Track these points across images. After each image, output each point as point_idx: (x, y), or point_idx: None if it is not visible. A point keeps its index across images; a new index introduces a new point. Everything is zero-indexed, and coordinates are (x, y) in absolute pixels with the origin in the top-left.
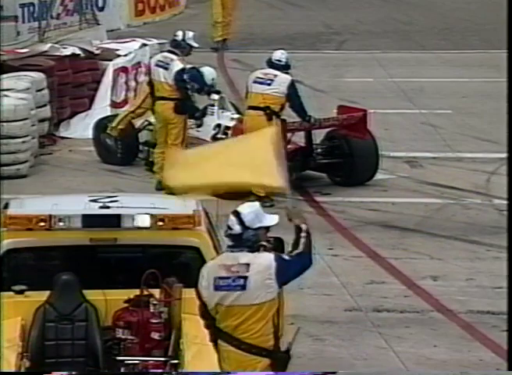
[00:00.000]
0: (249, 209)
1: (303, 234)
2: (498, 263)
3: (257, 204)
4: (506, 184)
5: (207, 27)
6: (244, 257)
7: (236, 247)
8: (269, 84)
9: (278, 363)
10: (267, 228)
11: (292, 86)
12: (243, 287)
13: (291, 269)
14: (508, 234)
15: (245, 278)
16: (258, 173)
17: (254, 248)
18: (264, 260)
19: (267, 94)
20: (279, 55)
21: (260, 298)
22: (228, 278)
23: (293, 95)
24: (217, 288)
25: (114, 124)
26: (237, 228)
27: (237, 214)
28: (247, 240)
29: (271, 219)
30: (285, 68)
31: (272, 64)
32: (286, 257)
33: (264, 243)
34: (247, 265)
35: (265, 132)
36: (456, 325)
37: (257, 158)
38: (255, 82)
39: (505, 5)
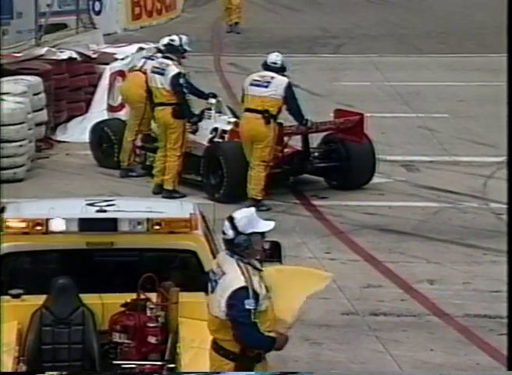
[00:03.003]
0: (242, 215)
1: (270, 339)
2: (495, 267)
3: (252, 210)
4: (506, 188)
5: (204, 31)
6: (229, 264)
7: (229, 251)
8: (266, 87)
9: (242, 369)
10: (262, 234)
11: (289, 88)
12: (212, 291)
13: (236, 313)
14: (508, 238)
15: (216, 283)
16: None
17: (246, 255)
18: (232, 280)
19: (264, 97)
20: (274, 57)
21: (214, 311)
22: (214, 274)
23: (290, 97)
24: (209, 280)
25: (125, 162)
26: (230, 233)
27: (231, 219)
28: (239, 245)
29: (265, 225)
30: (281, 70)
31: (267, 67)
32: (248, 307)
33: (258, 257)
34: (224, 273)
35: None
36: (452, 329)
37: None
38: (252, 85)
39: (502, 10)
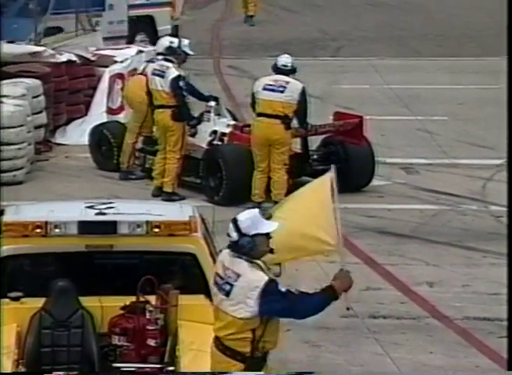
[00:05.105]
0: (246, 216)
1: (325, 294)
2: (494, 269)
3: (255, 211)
4: (506, 190)
5: (203, 33)
6: (240, 265)
7: (235, 253)
8: (282, 92)
9: (250, 370)
10: (266, 235)
11: (304, 93)
12: (227, 294)
13: (278, 304)
14: (508, 240)
15: (231, 286)
16: (320, 230)
17: (253, 256)
18: (255, 279)
19: (281, 102)
20: (285, 59)
21: (238, 313)
22: (222, 278)
23: (302, 102)
24: (214, 283)
25: (124, 164)
26: (234, 235)
27: (235, 221)
28: (243, 246)
29: (269, 226)
30: (292, 72)
31: (278, 69)
32: (283, 290)
33: (265, 254)
34: (238, 275)
35: (325, 182)
36: (452, 331)
37: (319, 215)
38: (266, 89)
39: (501, 12)
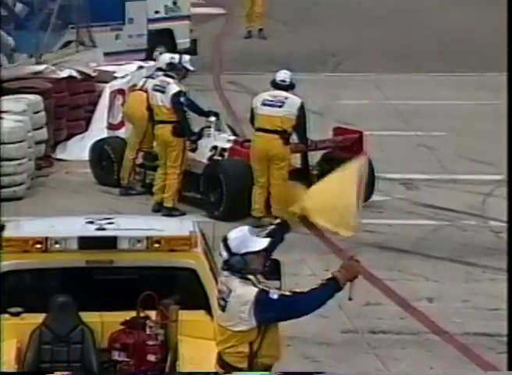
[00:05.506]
0: (235, 235)
1: (326, 286)
2: (494, 285)
3: (245, 229)
4: (506, 206)
5: (204, 49)
6: (232, 281)
7: (228, 271)
8: (281, 107)
9: None
10: (257, 252)
11: (302, 108)
12: (223, 309)
13: (273, 310)
14: (508, 256)
15: (226, 301)
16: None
17: (244, 273)
18: (245, 294)
19: (279, 117)
20: (283, 75)
21: (234, 326)
22: (219, 293)
23: (301, 117)
24: (216, 298)
25: (125, 180)
26: (225, 254)
27: (225, 240)
28: (233, 265)
29: (259, 244)
30: (290, 87)
31: (277, 85)
32: (275, 296)
33: (258, 273)
34: (230, 291)
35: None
36: (452, 346)
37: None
38: (264, 104)
39: (501, 28)
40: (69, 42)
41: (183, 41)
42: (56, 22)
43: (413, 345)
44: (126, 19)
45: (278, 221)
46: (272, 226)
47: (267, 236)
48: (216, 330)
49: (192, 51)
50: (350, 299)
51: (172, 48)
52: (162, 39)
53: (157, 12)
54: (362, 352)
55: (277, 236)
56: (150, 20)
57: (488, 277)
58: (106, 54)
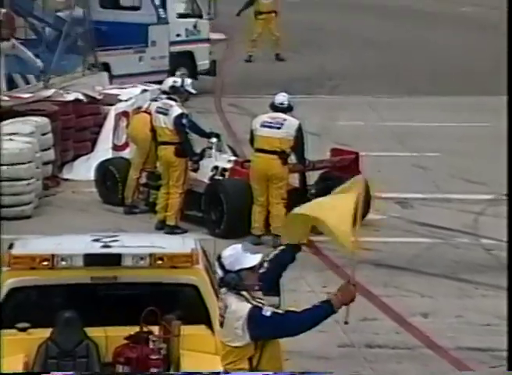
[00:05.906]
0: (229, 253)
1: (320, 308)
2: (486, 301)
3: (238, 246)
4: (506, 224)
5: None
6: (228, 298)
7: (224, 288)
8: (279, 128)
9: None
10: (251, 268)
11: (300, 129)
12: (221, 325)
13: (265, 327)
14: (508, 273)
15: (223, 318)
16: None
17: (239, 289)
18: (239, 310)
19: (278, 138)
20: (281, 98)
21: (231, 342)
22: (219, 309)
23: (299, 138)
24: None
25: (129, 199)
26: (220, 272)
27: (219, 258)
28: (228, 282)
29: (253, 260)
30: (288, 110)
31: (275, 108)
32: (268, 313)
33: (254, 289)
34: (226, 307)
35: (358, 185)
36: (446, 361)
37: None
38: (263, 126)
39: (497, 51)
40: (92, 65)
41: (202, 63)
42: (83, 45)
43: (408, 359)
44: (149, 42)
45: (287, 242)
46: (282, 247)
47: (276, 256)
48: (219, 345)
49: (212, 71)
50: (346, 323)
51: (193, 69)
52: (183, 61)
53: (178, 35)
54: (359, 366)
55: (287, 256)
56: (172, 43)
57: (481, 293)
58: (130, 75)
